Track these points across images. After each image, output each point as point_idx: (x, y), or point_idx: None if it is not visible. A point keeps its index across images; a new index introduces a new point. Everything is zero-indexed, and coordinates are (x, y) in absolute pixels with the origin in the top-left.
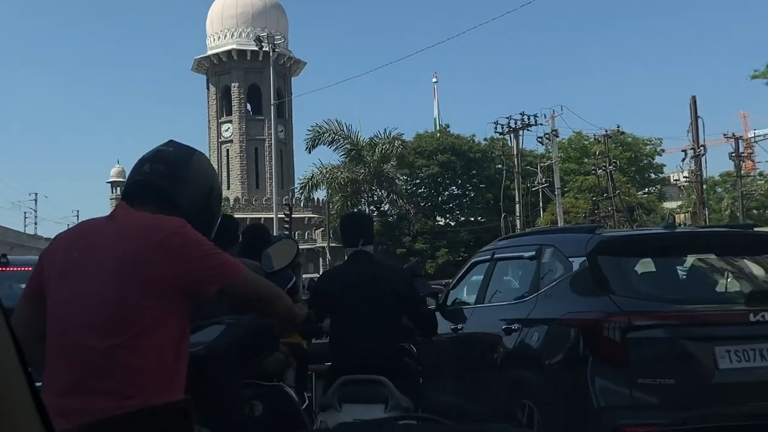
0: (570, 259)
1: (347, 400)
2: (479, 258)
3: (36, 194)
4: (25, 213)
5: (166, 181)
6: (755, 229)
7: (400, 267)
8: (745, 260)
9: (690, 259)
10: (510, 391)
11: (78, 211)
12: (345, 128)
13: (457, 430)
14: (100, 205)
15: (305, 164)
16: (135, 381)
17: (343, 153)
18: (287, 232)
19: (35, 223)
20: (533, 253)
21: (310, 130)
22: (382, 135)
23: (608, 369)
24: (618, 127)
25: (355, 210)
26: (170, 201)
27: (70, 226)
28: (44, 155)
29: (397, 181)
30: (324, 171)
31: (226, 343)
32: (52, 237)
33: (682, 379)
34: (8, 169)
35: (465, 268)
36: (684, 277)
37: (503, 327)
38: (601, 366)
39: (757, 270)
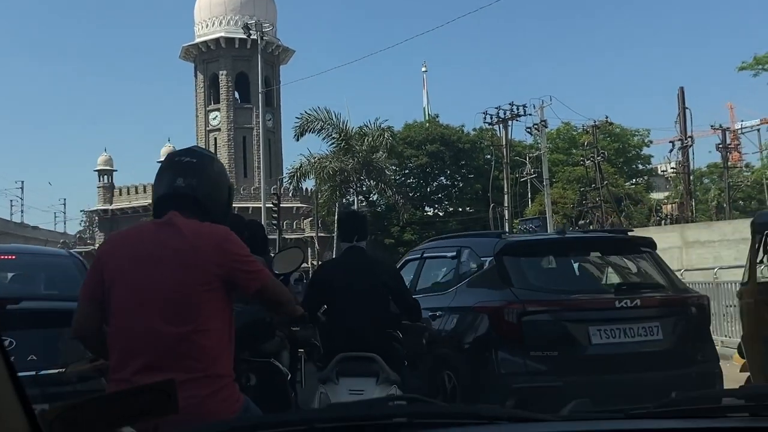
0: (482, 259)
1: (344, 374)
2: (411, 257)
3: (23, 182)
4: (11, 201)
5: (200, 193)
6: (629, 234)
7: (389, 261)
8: (618, 259)
9: (575, 258)
10: (435, 364)
11: (65, 199)
12: (334, 117)
13: (446, 410)
14: (88, 193)
15: (294, 153)
16: (205, 359)
17: (331, 142)
18: (276, 224)
19: (21, 211)
20: (454, 253)
21: (298, 118)
22: (372, 125)
23: (508, 345)
24: (606, 117)
25: (344, 201)
26: (206, 209)
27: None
28: (30, 143)
29: (386, 171)
30: (312, 160)
31: (236, 327)
32: (39, 225)
33: (564, 352)
34: None
35: (399, 265)
36: (569, 272)
37: (429, 314)
38: (502, 343)
39: (626, 267)
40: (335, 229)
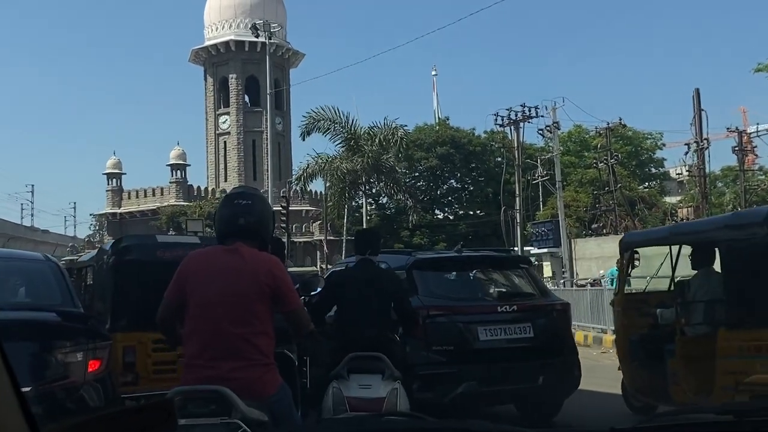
0: (397, 272)
1: (354, 371)
2: (336, 268)
3: (33, 186)
4: (21, 205)
5: (255, 228)
6: (511, 253)
7: (394, 272)
8: (502, 273)
9: (469, 272)
10: None
11: (75, 203)
12: (341, 116)
13: (438, 426)
14: (98, 196)
15: (303, 157)
16: (258, 352)
17: (339, 142)
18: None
19: (32, 215)
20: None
21: (305, 116)
22: (381, 125)
23: (415, 341)
24: (620, 119)
25: (354, 203)
26: (261, 237)
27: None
28: (40, 147)
29: (396, 170)
30: (320, 161)
31: None
32: (48, 229)
33: (458, 346)
34: (5, 161)
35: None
36: (464, 283)
37: None
38: (411, 339)
39: (508, 279)
40: (343, 233)
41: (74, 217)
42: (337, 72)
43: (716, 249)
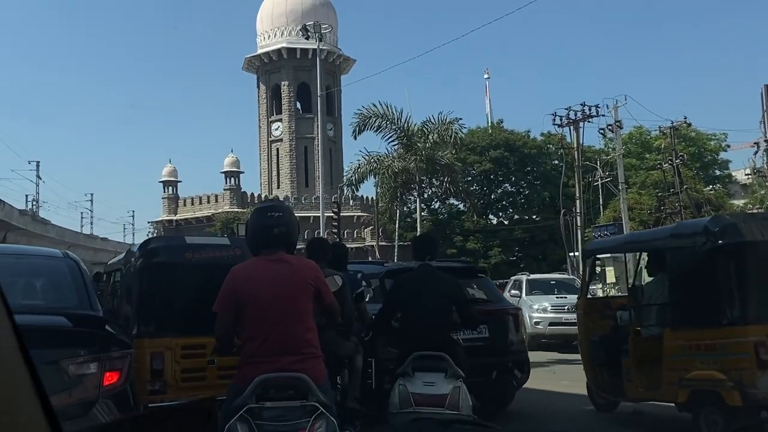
0: (371, 280)
1: (418, 369)
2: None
3: (92, 195)
4: (81, 213)
5: (288, 237)
6: (468, 264)
7: (454, 277)
8: (462, 281)
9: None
10: None
11: (134, 211)
12: (394, 112)
13: None
14: (154, 204)
15: (354, 156)
16: (311, 346)
17: (392, 140)
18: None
19: (91, 223)
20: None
21: (357, 113)
22: (435, 120)
23: (387, 339)
24: (685, 118)
25: (405, 209)
26: (292, 245)
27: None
28: (99, 156)
29: (454, 166)
30: (371, 160)
31: None
32: (108, 237)
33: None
34: (66, 170)
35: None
36: None
37: None
38: (384, 337)
39: (467, 287)
40: (395, 238)
41: (132, 224)
42: (387, 78)
43: (666, 256)
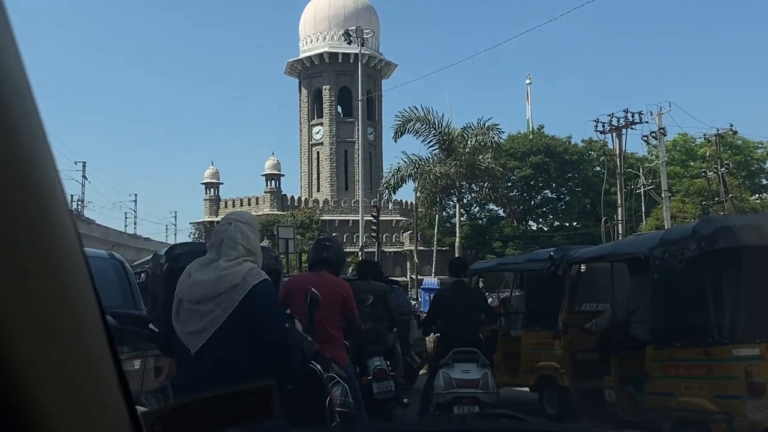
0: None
1: (457, 361)
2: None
3: (136, 195)
4: (125, 213)
5: (333, 260)
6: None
7: (481, 291)
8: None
9: None
10: None
11: (176, 212)
12: (435, 116)
13: (544, 428)
14: (196, 205)
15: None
16: (339, 340)
17: (432, 144)
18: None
19: (135, 224)
20: None
21: (398, 116)
22: (475, 126)
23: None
24: (731, 126)
25: (444, 214)
26: (338, 267)
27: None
28: (143, 157)
29: (495, 171)
30: (411, 163)
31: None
32: (151, 237)
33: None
34: (111, 171)
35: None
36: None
37: None
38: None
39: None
40: (434, 243)
41: (175, 225)
42: (428, 83)
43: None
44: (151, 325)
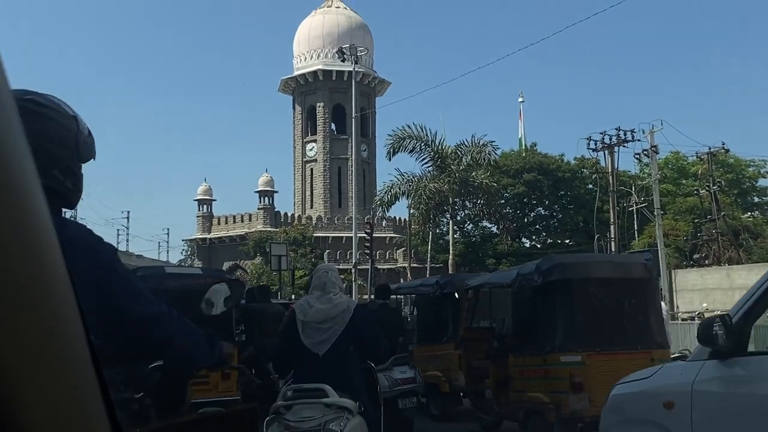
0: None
1: (395, 365)
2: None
3: (128, 212)
4: (118, 230)
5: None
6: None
7: (398, 310)
8: None
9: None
10: None
11: (169, 229)
12: (428, 134)
13: None
14: (188, 222)
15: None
16: None
17: (426, 161)
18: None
19: (127, 241)
20: None
21: (390, 136)
22: (469, 143)
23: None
24: (723, 144)
25: (438, 231)
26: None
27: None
28: (135, 174)
29: (487, 187)
30: (405, 180)
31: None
32: (143, 254)
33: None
34: (102, 188)
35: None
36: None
37: None
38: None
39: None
40: (427, 260)
41: (167, 242)
42: (422, 101)
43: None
44: None
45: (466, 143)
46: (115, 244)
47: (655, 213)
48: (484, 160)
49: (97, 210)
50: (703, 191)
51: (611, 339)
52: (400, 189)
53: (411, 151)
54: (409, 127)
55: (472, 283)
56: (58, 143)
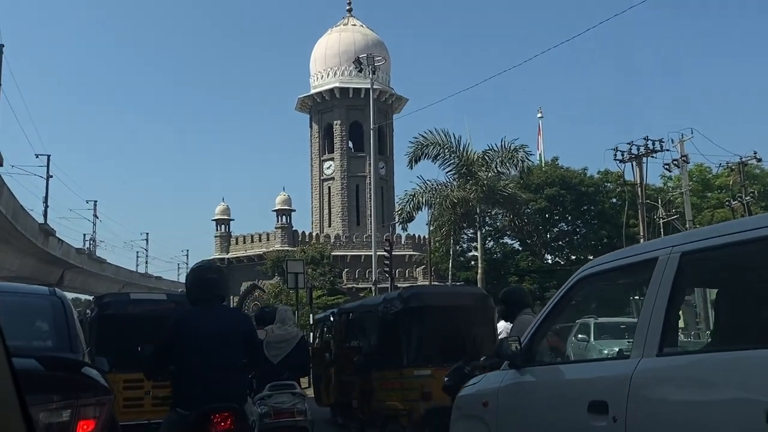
0: None
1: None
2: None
3: (147, 234)
4: (137, 252)
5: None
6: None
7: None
8: None
9: None
10: None
11: (188, 250)
12: (453, 139)
13: None
14: (206, 242)
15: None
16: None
17: (450, 169)
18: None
19: (146, 263)
20: None
21: (411, 143)
22: (498, 147)
23: None
24: (755, 153)
25: (459, 248)
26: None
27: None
28: (154, 196)
29: (517, 197)
30: (428, 188)
31: None
32: (162, 275)
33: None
34: (123, 210)
35: None
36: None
37: None
38: None
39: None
40: (448, 277)
41: (186, 263)
42: (439, 118)
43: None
44: (85, 370)
45: (494, 148)
46: (134, 267)
47: (687, 225)
48: (516, 167)
49: (116, 232)
50: (736, 202)
51: (455, 355)
52: (422, 198)
53: (434, 158)
54: (432, 133)
55: (345, 307)
56: None
